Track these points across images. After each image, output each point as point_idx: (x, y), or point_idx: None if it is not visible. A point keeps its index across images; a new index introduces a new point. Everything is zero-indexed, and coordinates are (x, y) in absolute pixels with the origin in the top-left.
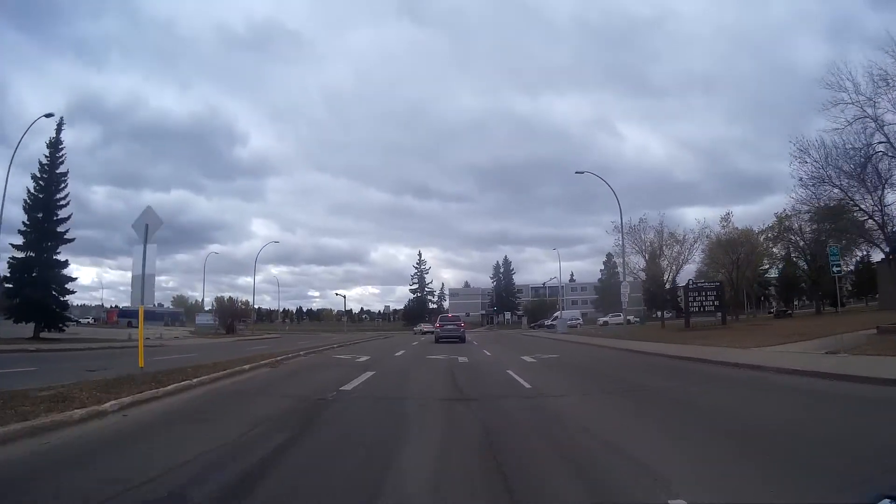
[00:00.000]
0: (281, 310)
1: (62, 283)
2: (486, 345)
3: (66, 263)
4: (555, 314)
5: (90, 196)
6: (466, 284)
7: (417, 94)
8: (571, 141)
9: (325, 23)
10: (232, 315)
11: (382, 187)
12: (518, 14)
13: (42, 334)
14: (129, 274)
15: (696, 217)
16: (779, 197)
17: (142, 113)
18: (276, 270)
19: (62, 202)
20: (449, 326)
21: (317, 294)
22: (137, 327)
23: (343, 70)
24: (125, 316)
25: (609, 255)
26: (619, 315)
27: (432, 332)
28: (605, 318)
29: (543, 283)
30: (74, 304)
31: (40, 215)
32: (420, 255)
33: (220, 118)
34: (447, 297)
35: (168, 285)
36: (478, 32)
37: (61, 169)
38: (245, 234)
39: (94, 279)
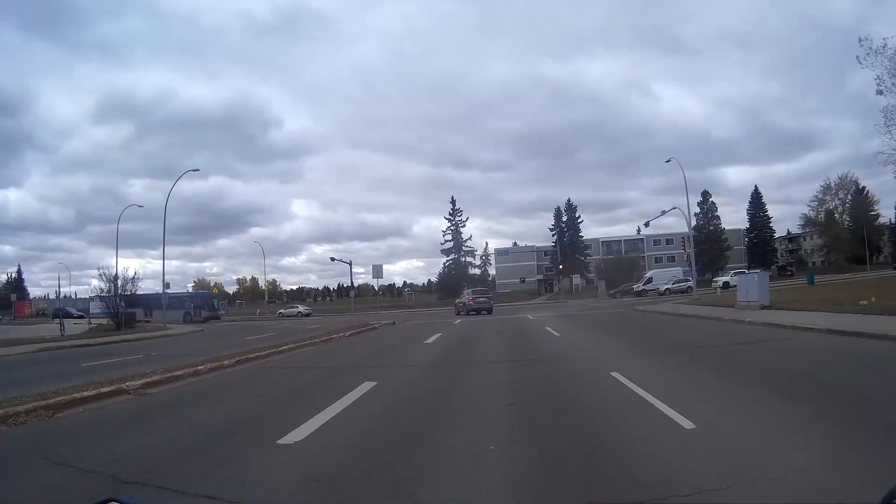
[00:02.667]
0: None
1: None
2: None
3: None
4: (647, 275)
5: (127, 190)
6: (514, 244)
7: (449, 66)
8: (608, 104)
9: (348, 1)
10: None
11: (422, 160)
12: None
13: None
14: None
15: (736, 177)
16: (819, 154)
17: (173, 105)
18: (319, 249)
19: None
20: (481, 299)
21: (361, 270)
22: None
23: (371, 46)
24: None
25: (706, 194)
26: (746, 273)
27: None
28: (725, 279)
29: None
30: None
31: None
32: (453, 202)
33: (252, 103)
34: (493, 262)
35: (213, 271)
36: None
37: None
38: (286, 216)
39: (137, 270)
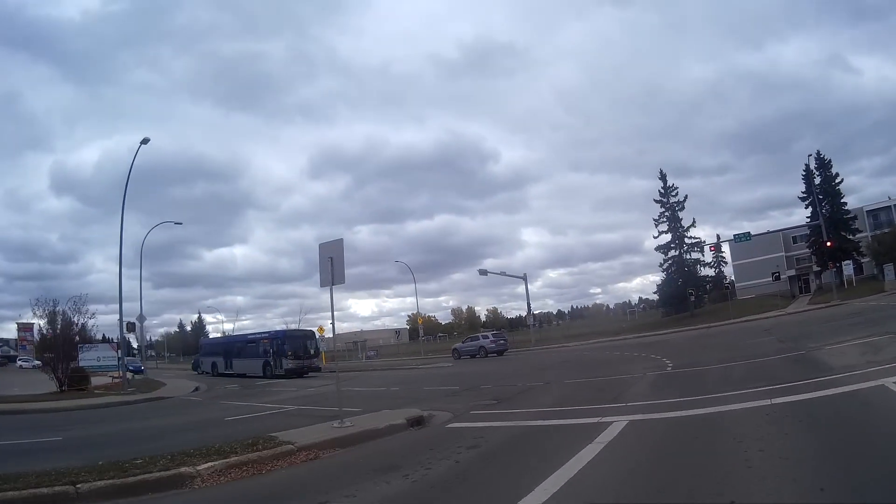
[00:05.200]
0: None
1: None
2: None
3: None
4: None
5: (354, 236)
6: (747, 236)
7: (647, 74)
8: (810, 86)
9: (533, 28)
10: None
11: (642, 174)
12: None
13: None
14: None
15: None
16: None
17: (386, 152)
18: (553, 274)
19: None
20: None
21: (598, 290)
22: None
23: (567, 68)
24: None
25: None
26: None
27: None
28: None
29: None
30: None
31: None
32: (663, 177)
33: (464, 140)
34: (728, 258)
35: (448, 304)
36: None
37: None
38: (517, 244)
39: (373, 310)
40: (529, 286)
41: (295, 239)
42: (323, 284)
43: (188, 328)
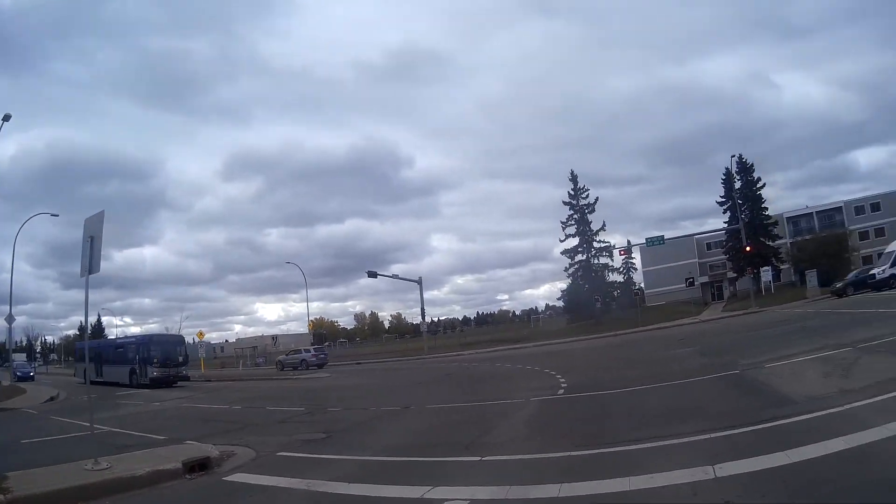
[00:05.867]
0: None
1: None
2: None
3: None
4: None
5: (264, 239)
6: (660, 240)
7: (568, 86)
8: (731, 102)
9: (458, 36)
10: None
11: (557, 183)
12: None
13: None
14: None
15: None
16: None
17: (300, 156)
18: (461, 280)
19: None
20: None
21: (506, 297)
22: None
23: (489, 77)
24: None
25: None
26: None
27: None
28: None
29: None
30: None
31: None
32: (574, 178)
33: (380, 146)
34: (637, 263)
35: (355, 309)
36: (608, 11)
37: None
38: (426, 250)
39: (279, 314)
40: (437, 292)
41: (205, 241)
42: (83, 273)
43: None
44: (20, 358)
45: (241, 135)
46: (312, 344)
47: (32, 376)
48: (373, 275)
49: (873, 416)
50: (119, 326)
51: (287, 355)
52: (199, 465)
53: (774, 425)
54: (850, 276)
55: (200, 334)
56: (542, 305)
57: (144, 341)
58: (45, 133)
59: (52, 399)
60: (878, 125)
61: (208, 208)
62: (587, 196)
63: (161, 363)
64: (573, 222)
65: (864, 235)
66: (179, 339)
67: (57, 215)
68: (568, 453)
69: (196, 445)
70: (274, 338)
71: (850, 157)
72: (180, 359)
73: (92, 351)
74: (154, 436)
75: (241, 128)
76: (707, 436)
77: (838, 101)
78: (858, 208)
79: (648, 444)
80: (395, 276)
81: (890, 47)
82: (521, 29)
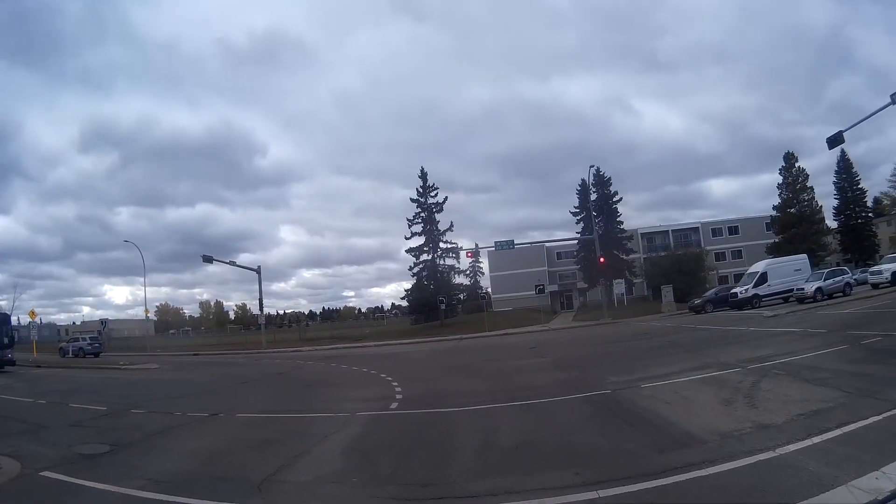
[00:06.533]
0: (261, 313)
1: None
2: None
3: None
4: (753, 269)
5: (115, 218)
6: (509, 244)
7: (427, 91)
8: (589, 122)
9: (326, 28)
10: None
11: (407, 184)
12: (518, 1)
13: None
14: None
15: (720, 189)
16: (805, 161)
17: (156, 133)
18: (308, 274)
19: None
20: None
21: (352, 294)
22: None
23: (350, 73)
24: None
25: (789, 157)
26: None
27: None
28: (888, 267)
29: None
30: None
31: None
32: (423, 175)
33: (235, 131)
34: (485, 270)
35: (202, 297)
36: (478, 23)
37: None
38: (274, 242)
39: (128, 298)
40: (284, 284)
41: (56, 215)
42: None
43: None
44: None
45: (100, 104)
46: (89, 334)
47: None
48: (209, 260)
49: (827, 470)
50: None
51: (68, 342)
52: None
53: (686, 479)
54: (710, 293)
55: (32, 314)
56: (388, 304)
57: None
58: None
59: None
60: (734, 158)
61: (62, 180)
62: (436, 195)
63: None
64: (420, 220)
65: (720, 256)
66: (3, 318)
67: None
68: None
69: None
70: (103, 322)
71: (704, 184)
72: (5, 340)
73: None
74: None
75: (100, 97)
76: (585, 495)
77: (696, 133)
78: (715, 230)
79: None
80: (232, 264)
81: (752, 89)
82: (389, 28)
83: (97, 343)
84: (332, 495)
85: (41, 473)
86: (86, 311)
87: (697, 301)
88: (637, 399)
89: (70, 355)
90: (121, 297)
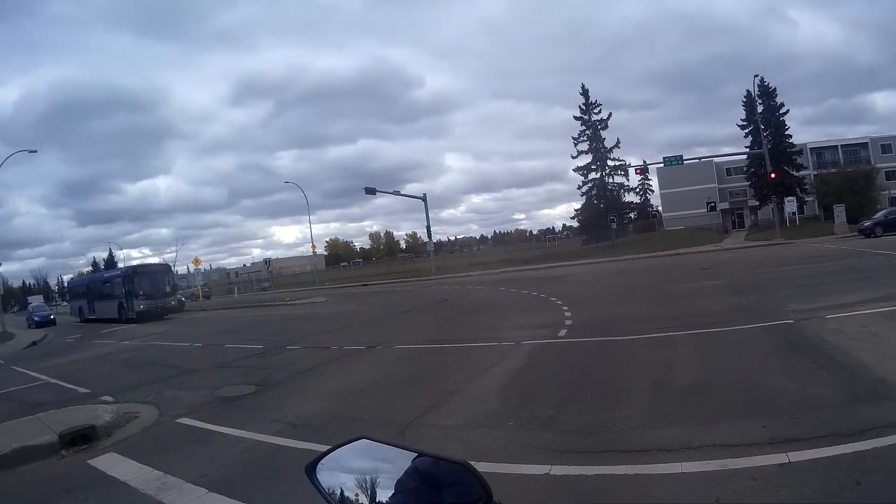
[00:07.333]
0: (430, 240)
1: None
2: None
3: None
4: None
5: (276, 162)
6: (678, 159)
7: (573, 11)
8: (743, 33)
9: None
10: None
11: (568, 105)
12: None
13: None
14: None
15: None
16: None
17: (307, 78)
18: (477, 199)
19: None
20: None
21: (522, 216)
22: None
23: (492, 1)
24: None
25: None
26: None
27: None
28: None
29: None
30: None
31: None
32: (584, 93)
33: (387, 67)
34: (654, 185)
35: (372, 229)
36: None
37: None
38: (440, 170)
39: (297, 236)
40: (454, 211)
41: (217, 168)
42: None
43: (103, 266)
44: (37, 301)
45: (246, 60)
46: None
47: (53, 319)
48: (371, 191)
49: None
50: (136, 258)
51: (31, 312)
52: (82, 437)
53: (886, 444)
54: (879, 215)
55: (196, 261)
56: (559, 226)
57: (128, 273)
58: (46, 74)
59: (34, 344)
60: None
61: (217, 135)
62: (599, 112)
63: (147, 295)
64: (585, 138)
65: (890, 175)
66: (165, 268)
67: (35, 151)
68: (543, 468)
69: (99, 407)
70: (267, 261)
71: (867, 98)
72: (168, 289)
73: (82, 287)
74: (80, 388)
75: (244, 53)
76: (774, 458)
77: (853, 43)
78: (885, 146)
79: (675, 465)
80: (396, 193)
81: None
82: None
83: (44, 312)
84: (482, 443)
85: (178, 420)
86: (256, 253)
87: (867, 223)
88: (823, 333)
89: (34, 327)
90: (289, 237)
